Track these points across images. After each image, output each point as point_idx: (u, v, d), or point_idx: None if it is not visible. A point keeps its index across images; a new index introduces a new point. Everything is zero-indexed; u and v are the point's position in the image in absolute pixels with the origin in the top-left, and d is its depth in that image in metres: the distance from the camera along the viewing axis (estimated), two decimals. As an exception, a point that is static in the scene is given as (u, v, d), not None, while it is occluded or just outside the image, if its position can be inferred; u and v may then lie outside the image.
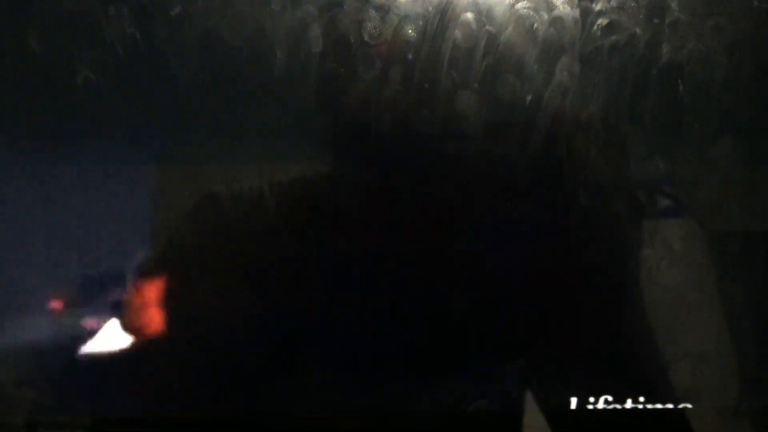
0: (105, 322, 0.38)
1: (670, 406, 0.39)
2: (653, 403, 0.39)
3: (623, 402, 0.39)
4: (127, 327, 0.38)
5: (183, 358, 0.38)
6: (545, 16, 0.34)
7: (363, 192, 0.36)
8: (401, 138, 0.35)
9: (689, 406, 0.39)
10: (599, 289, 0.38)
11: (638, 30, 0.34)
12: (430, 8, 0.34)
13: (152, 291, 0.37)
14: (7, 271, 0.37)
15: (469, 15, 0.34)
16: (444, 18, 0.34)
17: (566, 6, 0.34)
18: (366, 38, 0.34)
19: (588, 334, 0.39)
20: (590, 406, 0.39)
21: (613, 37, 0.34)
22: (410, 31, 0.34)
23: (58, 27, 0.34)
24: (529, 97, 0.35)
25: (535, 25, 0.34)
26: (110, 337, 0.38)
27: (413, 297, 0.38)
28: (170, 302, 0.38)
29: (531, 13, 0.34)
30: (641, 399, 0.39)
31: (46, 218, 0.36)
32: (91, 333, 0.38)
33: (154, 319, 0.38)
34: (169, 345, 0.38)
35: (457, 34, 0.34)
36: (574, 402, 0.39)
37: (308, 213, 0.37)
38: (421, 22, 0.34)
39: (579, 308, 0.38)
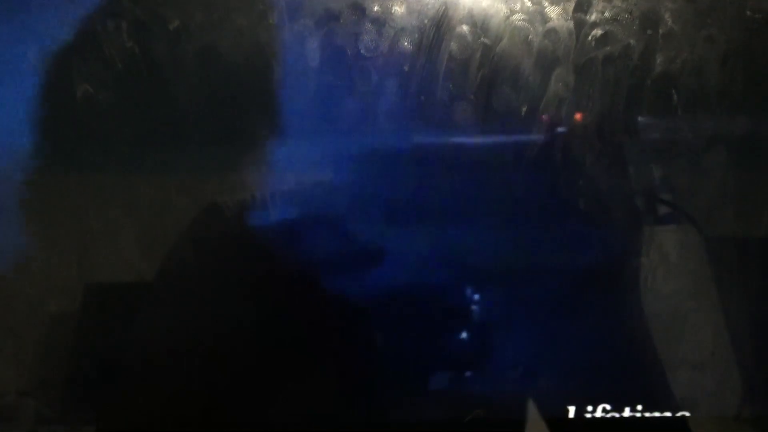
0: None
1: (668, 414, 0.39)
2: (652, 411, 0.39)
3: (621, 410, 0.39)
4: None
5: (181, 370, 0.38)
6: (540, 28, 0.34)
7: (358, 202, 0.36)
8: (398, 148, 0.36)
9: (687, 414, 0.39)
10: (597, 297, 0.38)
11: (632, 41, 0.34)
12: (426, 21, 0.34)
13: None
14: (5, 280, 0.37)
15: (465, 27, 0.34)
16: (440, 30, 0.34)
17: (561, 18, 0.34)
18: (362, 51, 0.34)
19: (586, 342, 0.39)
20: (588, 415, 0.39)
21: (608, 48, 0.34)
22: (406, 43, 0.34)
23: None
24: (524, 108, 0.35)
25: (530, 37, 0.34)
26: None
27: (412, 305, 0.38)
28: (169, 314, 0.38)
29: (526, 24, 0.34)
30: (639, 407, 0.39)
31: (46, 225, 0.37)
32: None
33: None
34: (169, 358, 0.38)
35: (453, 46, 0.34)
36: (572, 411, 0.39)
37: (303, 224, 0.37)
38: (417, 35, 0.34)
39: (577, 316, 0.38)
